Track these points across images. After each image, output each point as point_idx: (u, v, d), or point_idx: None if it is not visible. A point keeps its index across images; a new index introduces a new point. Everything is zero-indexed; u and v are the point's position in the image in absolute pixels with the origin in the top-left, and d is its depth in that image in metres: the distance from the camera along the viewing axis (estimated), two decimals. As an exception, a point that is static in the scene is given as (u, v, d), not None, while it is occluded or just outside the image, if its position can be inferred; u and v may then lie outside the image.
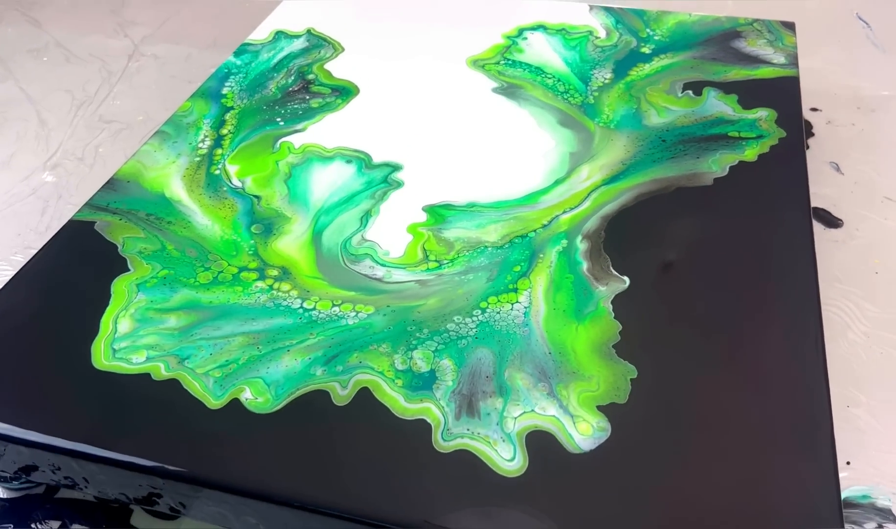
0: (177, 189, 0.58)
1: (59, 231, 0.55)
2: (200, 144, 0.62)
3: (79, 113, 0.85)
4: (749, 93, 0.65)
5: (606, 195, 0.55)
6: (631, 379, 0.43)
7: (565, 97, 0.66)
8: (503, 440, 0.40)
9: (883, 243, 0.63)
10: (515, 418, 0.41)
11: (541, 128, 0.62)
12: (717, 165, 0.57)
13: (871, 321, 0.57)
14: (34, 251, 0.60)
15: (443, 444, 0.40)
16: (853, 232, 0.64)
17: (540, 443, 0.40)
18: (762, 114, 0.62)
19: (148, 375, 0.44)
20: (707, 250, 0.51)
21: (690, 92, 0.65)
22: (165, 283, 0.50)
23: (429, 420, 0.41)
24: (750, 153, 0.58)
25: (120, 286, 0.50)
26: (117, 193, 0.57)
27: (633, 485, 0.38)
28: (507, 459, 0.39)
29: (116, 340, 0.46)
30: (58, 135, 0.81)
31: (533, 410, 0.42)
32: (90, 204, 0.56)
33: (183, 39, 0.98)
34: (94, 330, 0.47)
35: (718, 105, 0.64)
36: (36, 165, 0.77)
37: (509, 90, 0.67)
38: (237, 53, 0.74)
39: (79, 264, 0.52)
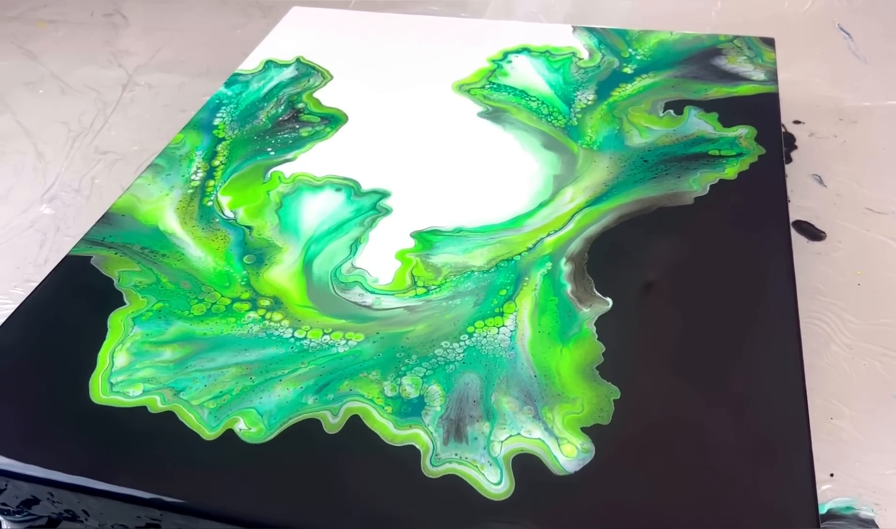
0: (170, 222, 0.59)
1: (56, 267, 0.56)
2: (193, 176, 0.63)
3: (75, 145, 0.86)
4: (729, 110, 0.66)
5: (590, 217, 0.56)
6: (614, 400, 0.44)
7: (549, 120, 0.67)
8: (490, 464, 0.41)
9: (865, 254, 0.64)
10: (502, 441, 0.42)
11: (525, 151, 0.64)
12: (697, 184, 0.58)
13: (854, 333, 0.58)
14: (34, 284, 0.61)
15: (431, 469, 0.41)
16: (835, 244, 0.66)
17: (526, 466, 0.41)
18: (742, 131, 0.63)
19: (144, 408, 0.46)
20: (688, 270, 0.52)
21: (672, 111, 0.67)
22: (160, 316, 0.51)
23: (418, 446, 0.43)
24: (730, 171, 0.59)
25: (116, 320, 0.51)
26: (112, 227, 0.59)
27: (617, 505, 0.40)
28: (494, 482, 0.41)
29: (113, 374, 0.47)
30: (55, 167, 0.83)
31: (519, 433, 0.43)
32: (86, 239, 0.58)
33: (175, 68, 1.00)
34: (91, 364, 0.48)
35: (699, 123, 0.65)
36: (34, 197, 0.79)
37: (494, 114, 0.68)
38: (228, 84, 0.75)
39: (76, 298, 0.53)
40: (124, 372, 0.48)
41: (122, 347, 0.49)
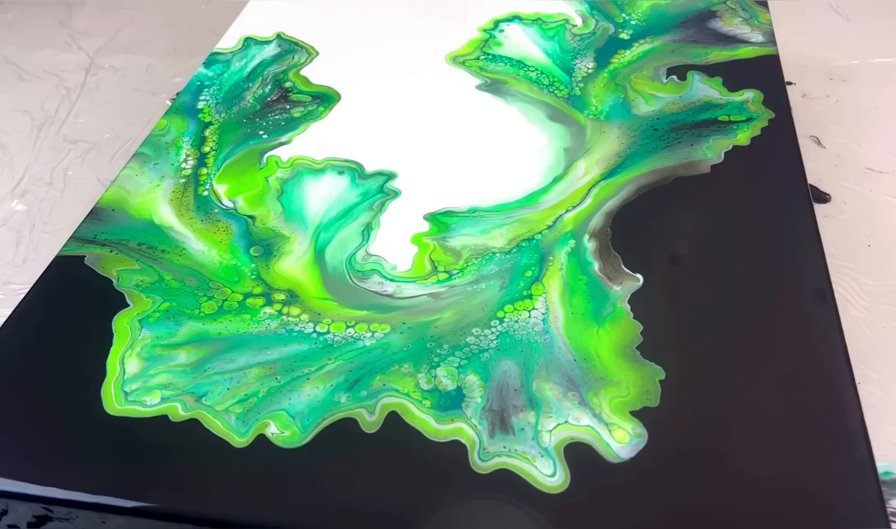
0: (166, 214, 0.56)
1: (47, 268, 0.52)
2: (183, 165, 0.60)
3: (41, 135, 0.81)
4: (732, 74, 0.65)
5: (607, 191, 0.55)
6: (659, 381, 0.43)
7: (551, 90, 0.65)
8: (541, 456, 0.40)
9: (872, 214, 0.64)
10: (550, 431, 0.41)
11: (531, 124, 0.62)
12: (711, 151, 0.57)
13: (871, 295, 0.58)
14: (15, 287, 0.58)
15: (481, 465, 0.40)
16: (841, 206, 0.65)
17: (579, 455, 0.40)
18: (748, 95, 0.62)
19: (165, 416, 0.43)
20: (714, 240, 0.51)
21: (675, 77, 0.65)
22: (169, 316, 0.48)
23: (463, 441, 0.41)
24: (742, 137, 0.58)
25: (121, 323, 0.48)
26: (103, 222, 0.55)
27: (678, 489, 0.38)
28: (549, 475, 0.39)
29: (126, 382, 0.45)
30: (21, 160, 0.78)
31: (567, 421, 0.41)
32: (76, 237, 0.54)
33: (140, 49, 0.95)
34: (100, 373, 0.45)
35: (704, 89, 0.64)
36: (2, 193, 0.74)
37: (494, 86, 0.66)
38: (207, 64, 0.72)
39: (74, 302, 0.50)
40: (138, 379, 0.45)
41: (131, 352, 0.46)
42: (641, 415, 0.41)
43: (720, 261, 0.50)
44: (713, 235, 0.51)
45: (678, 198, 0.54)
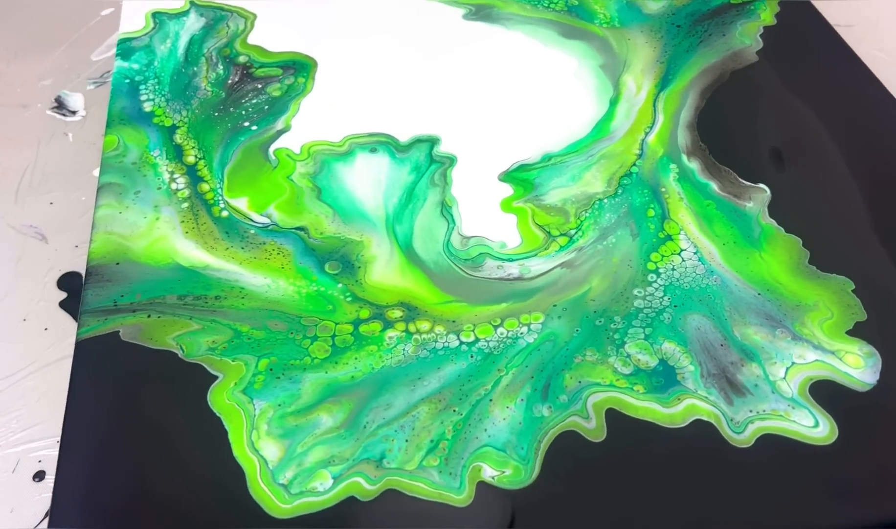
0: (191, 251, 0.45)
1: (74, 362, 0.40)
2: (173, 185, 0.48)
3: None
4: (715, -49, 0.62)
5: (672, 102, 0.51)
6: (852, 291, 0.40)
7: (546, 5, 0.59)
8: (793, 408, 0.36)
9: (863, 68, 0.65)
10: (784, 378, 0.37)
11: (549, 47, 0.55)
12: (747, 37, 0.55)
13: None
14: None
15: (737, 438, 0.36)
16: (832, 65, 0.65)
17: (825, 394, 0.37)
18: (745, -29, 0.60)
19: (352, 499, 0.35)
20: (804, 128, 0.49)
21: (663, -34, 0.61)
22: (277, 375, 0.39)
23: (704, 418, 0.36)
24: (766, 16, 0.56)
25: (221, 402, 0.38)
26: (114, 283, 0.43)
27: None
28: (811, 426, 0.36)
29: (276, 472, 0.36)
30: None
31: (793, 362, 0.38)
32: (90, 310, 0.42)
33: (-27, 53, 0.76)
34: (234, 471, 0.36)
35: (698, -27, 0.60)
36: None
37: (483, 13, 0.59)
38: (123, 55, 0.58)
39: (137, 394, 0.39)
40: (289, 465, 0.36)
41: (258, 433, 0.37)
42: (858, 332, 0.39)
43: (828, 148, 0.47)
44: (800, 122, 0.49)
45: (744, 93, 0.51)
